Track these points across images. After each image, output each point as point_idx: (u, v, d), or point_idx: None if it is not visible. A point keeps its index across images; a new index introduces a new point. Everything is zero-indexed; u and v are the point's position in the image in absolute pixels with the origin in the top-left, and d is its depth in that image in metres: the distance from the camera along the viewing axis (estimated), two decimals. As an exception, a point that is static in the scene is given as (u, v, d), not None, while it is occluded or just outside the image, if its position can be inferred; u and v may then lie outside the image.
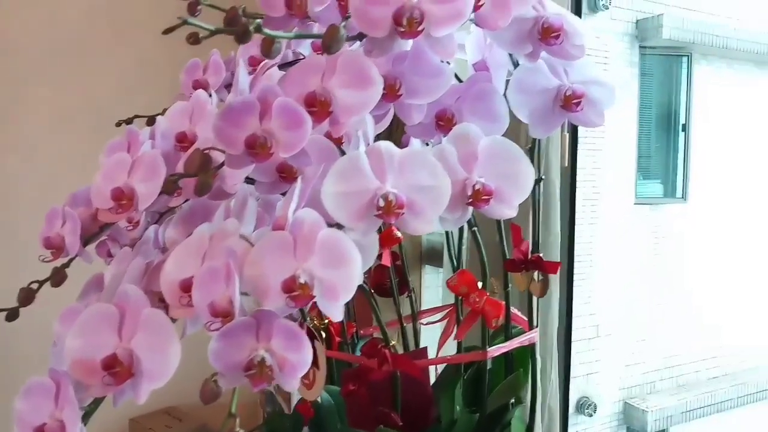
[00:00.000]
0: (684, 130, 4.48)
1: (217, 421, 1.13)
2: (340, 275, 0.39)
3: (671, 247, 4.39)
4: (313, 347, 0.60)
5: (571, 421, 4.21)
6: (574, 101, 0.53)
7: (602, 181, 4.13)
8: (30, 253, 0.58)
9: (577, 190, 1.00)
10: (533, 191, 0.60)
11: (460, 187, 0.46)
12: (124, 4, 1.34)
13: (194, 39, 0.43)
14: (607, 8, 3.94)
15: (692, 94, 4.43)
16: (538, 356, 0.71)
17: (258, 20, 0.35)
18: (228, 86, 0.75)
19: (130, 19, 1.35)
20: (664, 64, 4.47)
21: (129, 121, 0.79)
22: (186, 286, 0.43)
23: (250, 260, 0.40)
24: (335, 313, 0.39)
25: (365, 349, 0.58)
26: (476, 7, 0.43)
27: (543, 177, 0.61)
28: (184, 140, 0.59)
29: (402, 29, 0.39)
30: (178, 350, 0.41)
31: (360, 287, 0.53)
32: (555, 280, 0.96)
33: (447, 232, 0.78)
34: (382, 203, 0.41)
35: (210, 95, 0.63)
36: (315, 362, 0.60)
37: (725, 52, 4.40)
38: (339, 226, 0.42)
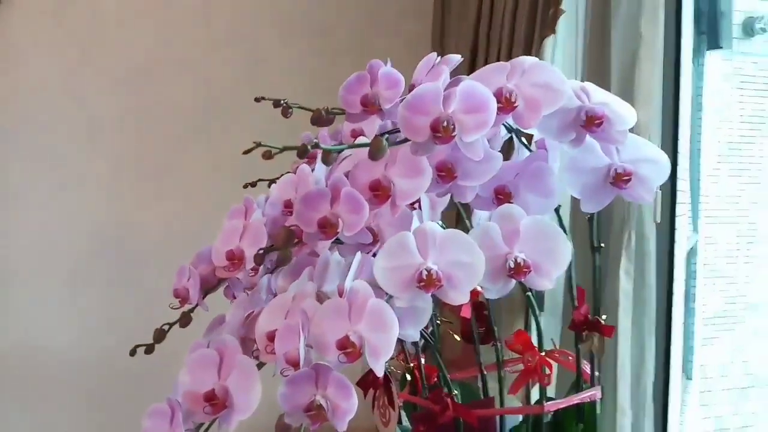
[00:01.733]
0: None
1: None
2: (382, 338, 0.47)
3: None
4: (390, 389, 0.68)
5: (722, 477, 3.87)
6: (624, 179, 0.57)
7: (760, 218, 3.82)
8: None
9: (675, 244, 1.00)
10: (593, 259, 0.65)
11: (501, 261, 0.53)
12: (262, 71, 1.53)
13: (267, 155, 0.54)
14: (765, 31, 3.67)
15: None
16: (618, 386, 0.74)
17: (316, 140, 0.45)
18: (303, 154, 0.86)
19: (266, 83, 1.54)
20: (836, 89, 4.07)
21: (254, 184, 0.92)
22: (271, 337, 0.54)
23: (315, 320, 0.50)
24: (377, 368, 0.47)
25: (431, 396, 0.66)
26: (511, 107, 0.50)
27: (602, 245, 0.64)
28: (290, 206, 0.71)
29: (438, 135, 0.48)
30: (260, 390, 0.51)
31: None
32: (651, 332, 0.97)
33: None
34: (424, 276, 0.49)
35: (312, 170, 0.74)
36: (391, 403, 0.69)
37: None
38: (388, 297, 0.50)
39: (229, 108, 1.55)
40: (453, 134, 0.48)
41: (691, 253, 3.64)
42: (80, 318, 1.46)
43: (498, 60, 1.21)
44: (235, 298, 0.78)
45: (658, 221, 0.93)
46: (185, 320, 0.67)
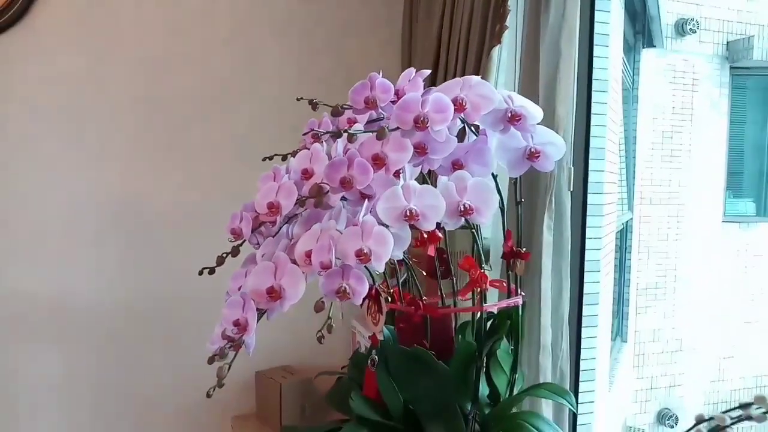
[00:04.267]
0: (779, 149, 4.51)
1: (321, 378, 1.59)
2: (383, 250, 0.77)
3: (762, 264, 4.43)
4: (379, 301, 0.99)
5: (651, 430, 4.34)
6: (536, 155, 0.89)
7: (687, 199, 4.25)
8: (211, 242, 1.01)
9: (586, 207, 1.33)
10: (517, 209, 0.96)
11: (456, 205, 0.84)
12: (256, 65, 1.80)
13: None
14: (695, 32, 4.08)
15: (787, 114, 4.46)
16: (541, 312, 1.06)
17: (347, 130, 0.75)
18: (333, 136, 1.15)
19: (260, 75, 1.81)
20: (758, 84, 4.52)
21: (271, 157, 1.20)
22: (308, 254, 0.83)
23: (341, 241, 0.80)
24: (379, 268, 0.78)
25: (407, 301, 0.96)
26: (463, 109, 0.81)
27: (522, 200, 0.96)
28: (306, 173, 1.00)
29: (418, 125, 0.78)
30: (304, 286, 0.81)
31: (405, 264, 0.92)
32: (566, 272, 1.29)
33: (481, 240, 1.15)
34: (408, 213, 0.80)
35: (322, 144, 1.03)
36: (380, 310, 0.99)
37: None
38: (386, 225, 0.80)
39: (228, 96, 1.81)
40: (427, 125, 0.78)
41: (626, 230, 4.07)
42: (102, 271, 1.71)
43: (456, 62, 1.52)
44: (259, 245, 1.07)
45: (572, 190, 1.25)
46: (236, 252, 0.96)
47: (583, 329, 1.37)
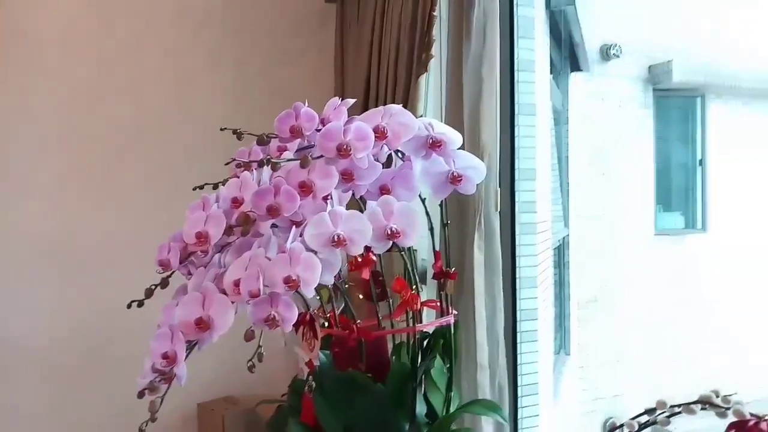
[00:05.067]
0: (701, 164, 4.74)
1: (266, 406, 1.58)
2: (311, 276, 0.79)
3: (692, 275, 4.62)
4: (314, 326, 0.99)
5: (598, 441, 4.43)
6: (458, 179, 0.92)
7: (621, 215, 4.42)
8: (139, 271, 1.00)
9: (515, 225, 1.37)
10: (443, 230, 0.99)
11: (383, 229, 0.86)
12: (191, 94, 1.80)
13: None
14: (618, 56, 4.28)
15: (707, 131, 4.70)
16: (476, 330, 1.09)
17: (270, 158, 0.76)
18: (261, 165, 1.16)
19: (193, 104, 1.81)
20: (679, 104, 4.77)
21: (201, 187, 1.19)
22: (237, 283, 0.84)
23: (269, 268, 0.80)
24: (308, 293, 0.79)
25: (342, 324, 0.98)
26: (384, 136, 0.84)
27: (449, 222, 0.99)
28: (236, 202, 1.00)
29: (341, 153, 0.80)
30: (233, 315, 0.81)
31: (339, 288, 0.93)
32: (499, 290, 1.33)
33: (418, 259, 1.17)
34: (335, 239, 0.81)
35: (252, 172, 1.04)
36: (315, 335, 1.00)
37: (738, 91, 4.66)
38: (314, 252, 0.82)
39: (160, 127, 1.80)
40: (350, 153, 0.80)
41: (564, 246, 4.17)
42: (35, 308, 1.66)
43: (386, 89, 1.56)
44: (190, 274, 1.07)
45: (500, 210, 1.30)
46: (165, 283, 0.95)
47: (522, 344, 1.41)
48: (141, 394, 0.83)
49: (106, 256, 1.74)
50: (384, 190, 0.94)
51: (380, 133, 0.83)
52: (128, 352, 1.72)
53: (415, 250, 1.51)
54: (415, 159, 0.93)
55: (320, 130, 0.91)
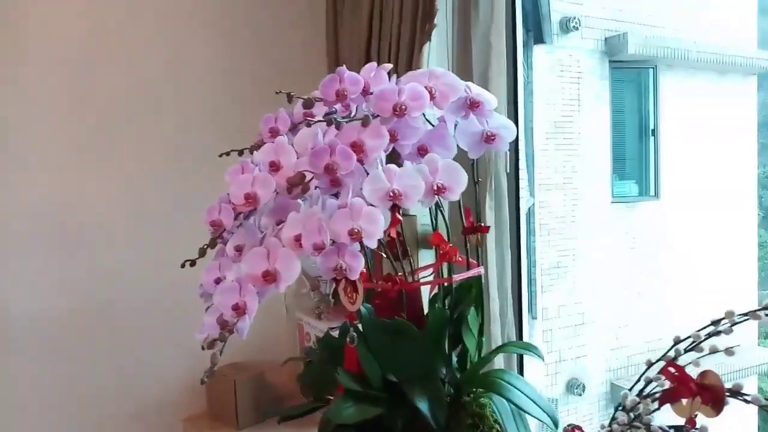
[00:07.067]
0: (653, 134, 4.97)
1: (272, 371, 1.69)
2: (374, 228, 0.85)
3: (646, 240, 4.86)
4: (355, 283, 1.05)
5: (562, 400, 4.66)
6: (491, 138, 0.99)
7: (581, 183, 4.61)
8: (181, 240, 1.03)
9: (520, 186, 1.46)
10: (476, 188, 1.06)
11: (430, 185, 0.92)
12: (185, 64, 1.81)
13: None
14: (578, 29, 4.42)
15: (659, 102, 4.92)
16: (489, 283, 1.17)
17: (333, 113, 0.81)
18: (291, 129, 1.20)
19: (187, 75, 1.82)
20: (633, 76, 4.96)
21: (228, 153, 1.22)
22: (297, 238, 0.89)
23: (332, 222, 0.86)
24: (371, 244, 0.85)
25: (384, 278, 1.04)
26: (433, 98, 0.90)
27: (480, 179, 1.06)
28: (273, 165, 1.05)
29: (396, 113, 0.86)
30: (299, 267, 0.86)
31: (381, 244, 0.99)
32: (507, 247, 1.41)
33: (433, 220, 1.24)
34: (391, 194, 0.87)
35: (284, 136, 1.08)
36: (356, 290, 1.06)
37: (687, 63, 4.89)
38: (372, 206, 0.87)
39: (155, 96, 1.80)
40: (405, 112, 0.86)
41: (530, 214, 4.34)
42: (37, 281, 1.66)
43: (389, 59, 1.61)
44: (225, 243, 1.10)
45: (509, 171, 1.38)
46: (213, 243, 0.99)
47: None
48: (211, 345, 0.88)
49: (107, 227, 1.75)
50: (422, 149, 1.00)
51: (430, 94, 0.89)
52: (135, 321, 1.75)
53: (414, 216, 1.60)
54: (451, 119, 1.00)
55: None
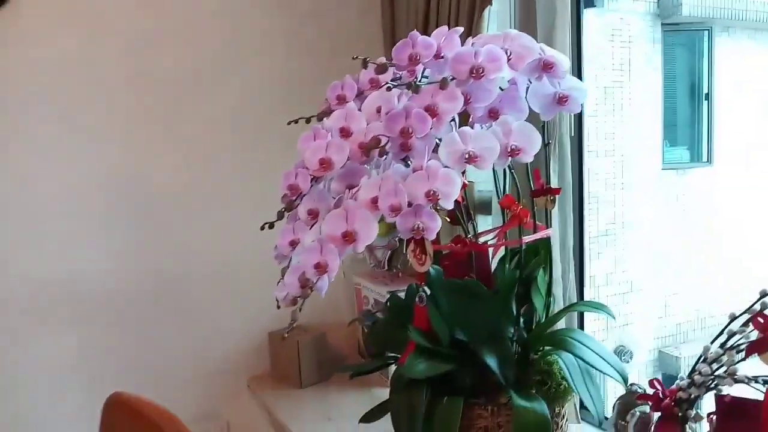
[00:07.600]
0: (707, 99, 4.82)
1: (332, 333, 1.75)
2: (451, 189, 0.87)
3: (698, 207, 4.76)
4: (423, 242, 1.08)
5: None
6: (564, 99, 0.99)
7: (630, 150, 4.52)
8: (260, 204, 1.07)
9: (583, 151, 1.45)
10: (545, 150, 1.07)
11: (504, 147, 0.93)
12: (243, 38, 1.84)
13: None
14: (629, -10, 4.30)
15: (714, 65, 4.77)
16: (552, 246, 1.18)
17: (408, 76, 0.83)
18: (358, 96, 1.22)
19: (247, 47, 1.85)
20: (687, 39, 4.81)
21: (296, 121, 1.25)
22: (373, 200, 0.91)
23: (408, 184, 0.88)
24: (448, 206, 0.87)
25: (454, 240, 1.06)
26: (509, 59, 0.90)
27: (550, 141, 1.06)
28: (344, 131, 1.07)
29: (473, 75, 0.87)
30: (377, 227, 0.89)
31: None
32: (570, 210, 1.42)
33: (497, 183, 1.25)
34: (467, 156, 0.89)
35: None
36: (424, 251, 1.08)
37: (745, 23, 4.70)
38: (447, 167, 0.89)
39: (218, 69, 1.84)
40: (482, 75, 0.87)
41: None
42: (110, 252, 1.72)
43: (448, 23, 1.60)
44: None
45: (573, 135, 1.37)
46: (290, 207, 1.03)
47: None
48: (294, 302, 0.92)
49: (176, 200, 1.81)
50: (493, 112, 1.01)
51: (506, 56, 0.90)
52: (202, 291, 1.82)
53: (471, 182, 1.61)
54: (523, 81, 1.00)
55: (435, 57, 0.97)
